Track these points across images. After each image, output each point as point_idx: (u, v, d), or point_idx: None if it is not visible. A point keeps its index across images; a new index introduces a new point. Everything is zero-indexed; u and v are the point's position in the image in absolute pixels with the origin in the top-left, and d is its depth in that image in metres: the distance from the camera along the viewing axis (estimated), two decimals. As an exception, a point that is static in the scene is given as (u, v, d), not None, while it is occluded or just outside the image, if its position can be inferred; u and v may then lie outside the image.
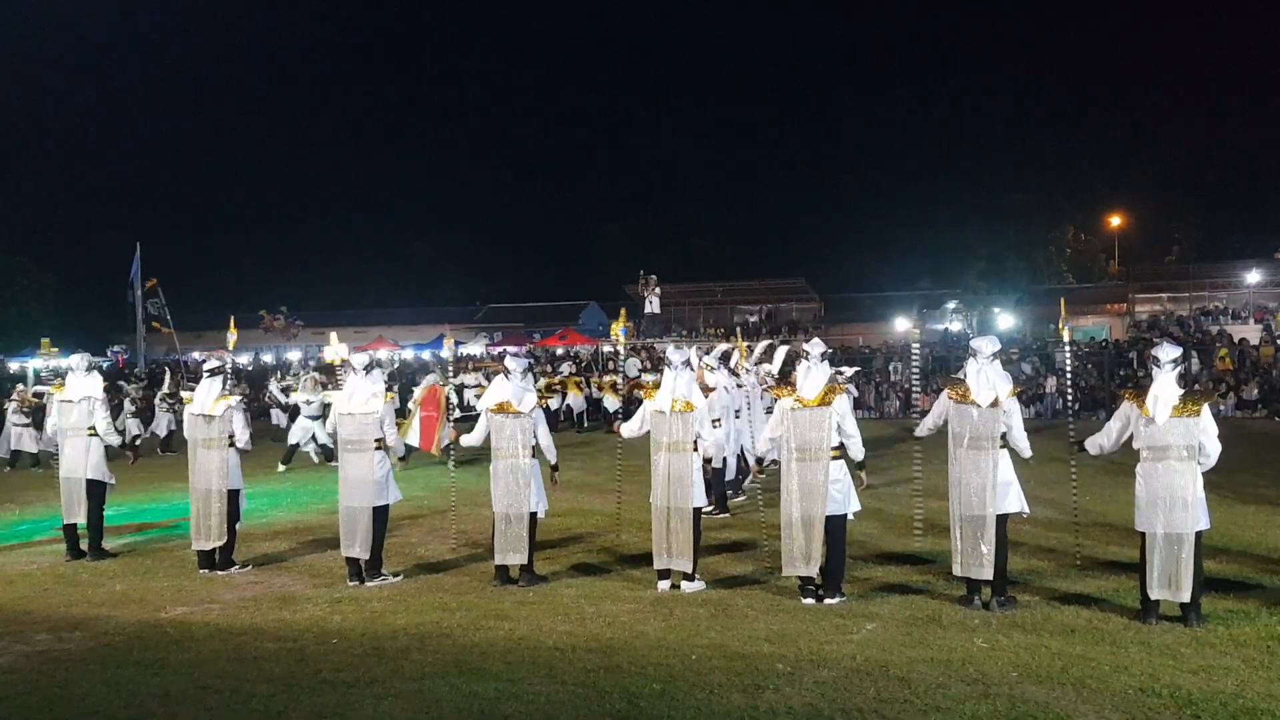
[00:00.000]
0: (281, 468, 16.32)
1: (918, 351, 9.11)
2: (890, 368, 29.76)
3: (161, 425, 20.05)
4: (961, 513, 7.06)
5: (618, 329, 13.62)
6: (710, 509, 10.13)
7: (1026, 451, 7.27)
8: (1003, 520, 7.07)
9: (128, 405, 20.10)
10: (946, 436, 7.31)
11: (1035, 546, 8.90)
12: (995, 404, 7.05)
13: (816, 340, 7.75)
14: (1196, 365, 25.64)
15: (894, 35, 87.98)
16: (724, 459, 11.12)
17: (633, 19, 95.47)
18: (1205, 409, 6.67)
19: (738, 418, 11.64)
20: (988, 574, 6.96)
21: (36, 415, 17.14)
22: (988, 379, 7.11)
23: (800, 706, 5.16)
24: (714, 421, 10.97)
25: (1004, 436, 7.09)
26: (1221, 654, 5.91)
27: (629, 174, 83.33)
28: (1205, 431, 6.61)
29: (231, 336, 10.21)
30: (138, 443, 16.10)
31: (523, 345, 36.99)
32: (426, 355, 38.19)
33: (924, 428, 7.51)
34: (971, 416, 7.10)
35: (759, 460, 10.11)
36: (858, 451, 7.46)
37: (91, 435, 9.66)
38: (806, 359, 7.49)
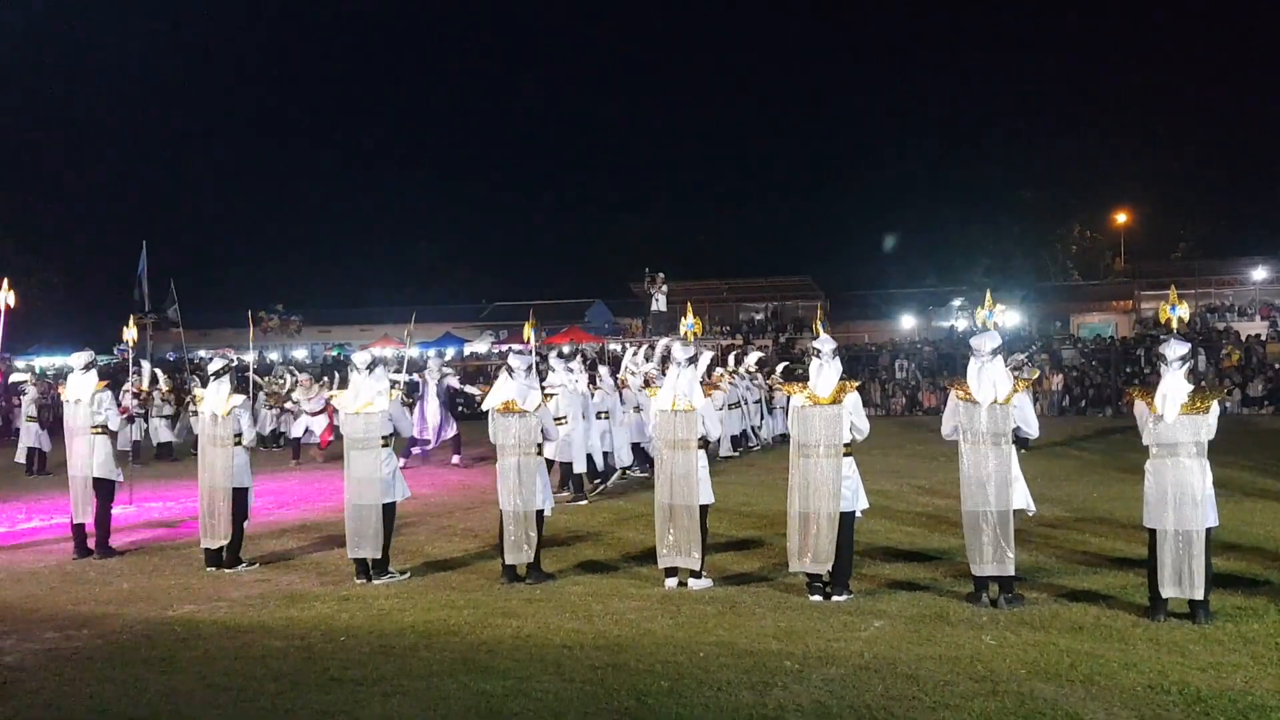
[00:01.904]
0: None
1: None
2: (896, 365, 29.75)
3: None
4: (975, 509, 7.04)
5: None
6: (571, 499, 12.20)
7: (1034, 430, 7.30)
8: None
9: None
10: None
11: (1043, 543, 8.87)
12: (999, 402, 7.02)
13: (826, 337, 7.72)
14: (1203, 363, 25.59)
15: (898, 33, 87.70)
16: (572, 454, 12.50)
17: (637, 18, 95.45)
18: (1214, 405, 6.65)
19: (603, 418, 13.32)
20: (1009, 570, 6.94)
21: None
22: (989, 377, 7.09)
23: (809, 704, 5.15)
24: (559, 419, 12.12)
25: (1015, 431, 7.08)
26: (1230, 651, 5.89)
27: (635, 172, 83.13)
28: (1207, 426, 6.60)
29: (252, 354, 10.48)
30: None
31: (528, 345, 36.97)
32: (431, 354, 38.22)
33: (945, 429, 7.39)
34: (979, 414, 7.08)
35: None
36: (859, 440, 7.45)
37: (96, 434, 9.68)
38: (818, 356, 7.48)
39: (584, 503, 12.23)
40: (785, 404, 20.08)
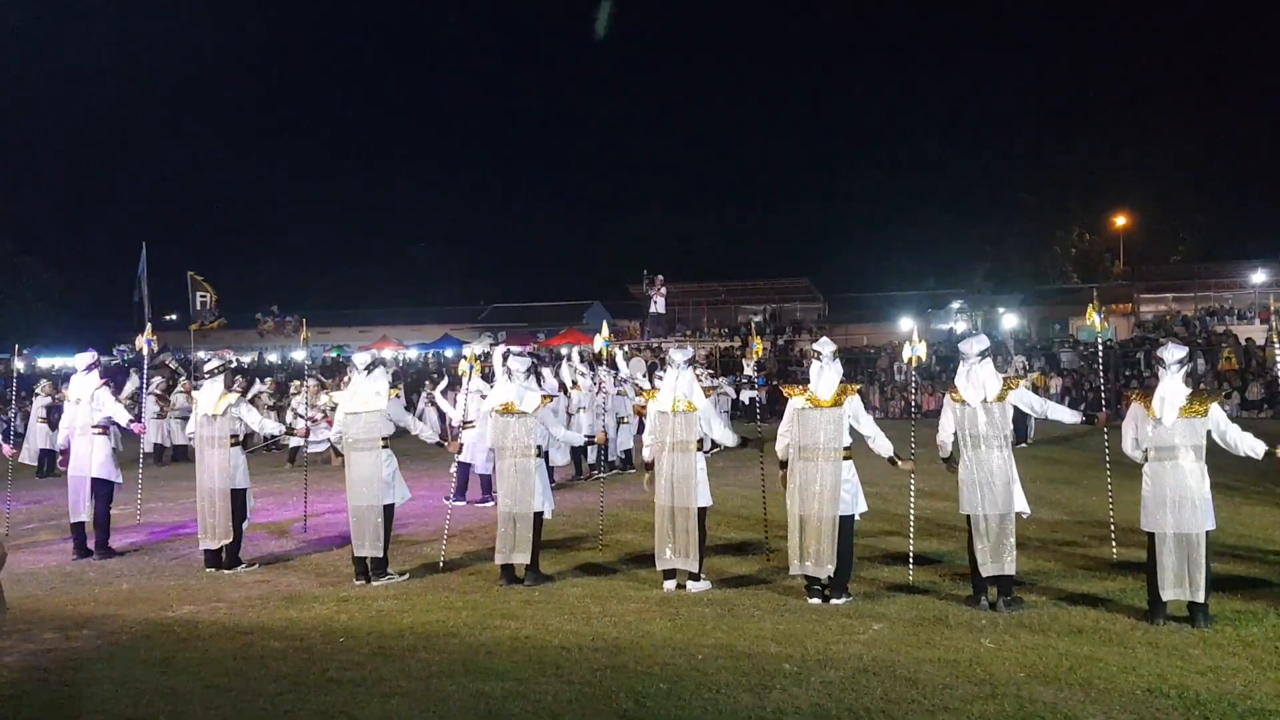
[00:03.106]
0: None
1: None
2: (894, 368, 29.75)
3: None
4: (975, 512, 7.03)
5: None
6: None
7: (1069, 416, 7.64)
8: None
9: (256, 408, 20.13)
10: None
11: (1041, 546, 8.88)
12: (990, 401, 7.03)
13: (826, 339, 7.71)
14: (1202, 365, 25.61)
15: (898, 34, 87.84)
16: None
17: (636, 18, 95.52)
18: (1214, 407, 6.66)
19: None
20: (1011, 570, 6.95)
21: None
22: (978, 379, 7.11)
23: (807, 706, 5.15)
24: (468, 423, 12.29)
25: (1014, 434, 7.10)
26: (1229, 655, 5.90)
27: (634, 174, 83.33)
28: (1219, 427, 6.65)
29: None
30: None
31: (526, 345, 36.99)
32: (430, 355, 38.21)
33: (942, 434, 7.37)
34: (973, 417, 7.08)
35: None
36: (885, 447, 7.35)
37: (96, 434, 9.68)
38: (818, 359, 7.48)
39: (490, 505, 11.57)
40: (730, 407, 20.27)
